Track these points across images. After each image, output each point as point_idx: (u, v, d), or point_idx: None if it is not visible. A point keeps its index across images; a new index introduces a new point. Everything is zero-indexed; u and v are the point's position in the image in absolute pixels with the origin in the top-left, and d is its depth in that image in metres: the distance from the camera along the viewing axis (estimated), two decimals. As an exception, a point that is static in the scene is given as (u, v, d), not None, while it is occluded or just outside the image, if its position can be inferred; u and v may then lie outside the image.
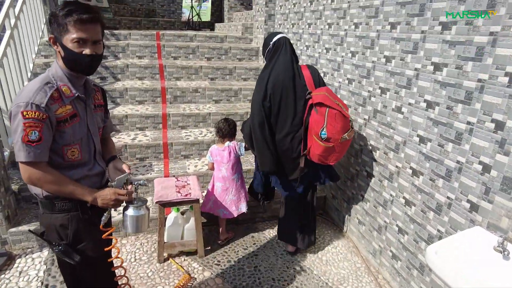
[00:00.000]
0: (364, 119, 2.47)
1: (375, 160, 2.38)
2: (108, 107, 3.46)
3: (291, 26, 3.70)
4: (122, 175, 1.38)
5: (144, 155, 3.20)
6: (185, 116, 3.52)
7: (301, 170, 2.20)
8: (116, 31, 4.26)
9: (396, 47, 2.09)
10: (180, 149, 3.26)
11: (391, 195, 2.23)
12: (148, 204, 1.44)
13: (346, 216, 2.84)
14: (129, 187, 1.40)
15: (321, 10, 3.02)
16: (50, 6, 3.87)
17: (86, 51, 1.22)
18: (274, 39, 2.20)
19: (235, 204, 2.58)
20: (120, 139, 3.21)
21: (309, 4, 3.25)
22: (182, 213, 2.63)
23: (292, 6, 3.64)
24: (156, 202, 2.27)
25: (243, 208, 2.61)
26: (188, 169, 3.09)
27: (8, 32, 2.96)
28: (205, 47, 4.30)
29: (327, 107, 1.97)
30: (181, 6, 6.71)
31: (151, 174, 2.97)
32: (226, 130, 2.54)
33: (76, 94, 1.30)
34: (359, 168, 2.59)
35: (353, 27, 2.54)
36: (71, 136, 1.29)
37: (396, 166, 2.16)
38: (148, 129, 3.47)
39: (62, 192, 1.28)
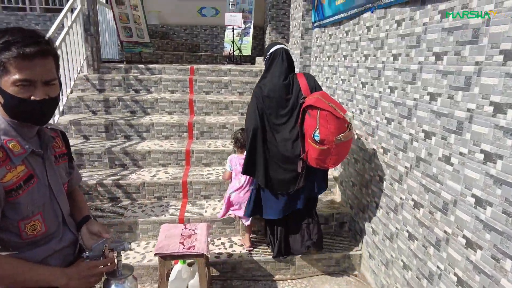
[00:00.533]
0: (405, 167, 2.03)
1: (418, 220, 1.92)
2: (134, 141, 3.42)
3: (327, 58, 3.41)
4: (99, 242, 1.10)
5: (162, 193, 3.01)
6: (209, 153, 3.31)
7: (300, 176, 2.20)
8: (151, 66, 4.31)
9: (442, 82, 1.69)
10: (200, 189, 3.03)
11: (438, 267, 1.74)
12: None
13: (384, 282, 2.33)
14: (109, 254, 1.12)
15: (357, 40, 2.70)
16: (91, 43, 4.03)
17: (35, 96, 0.93)
18: (271, 50, 2.29)
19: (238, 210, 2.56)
20: (140, 175, 3.08)
21: (344, 34, 2.96)
22: (190, 265, 2.35)
23: (328, 37, 3.37)
24: (155, 254, 2.02)
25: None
26: (205, 212, 2.83)
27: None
28: (238, 81, 4.16)
29: (318, 109, 1.97)
30: (224, 40, 6.80)
31: (165, 215, 2.76)
32: (244, 140, 2.49)
33: (30, 150, 1.00)
34: (399, 226, 2.12)
35: (391, 58, 2.18)
36: (29, 205, 0.99)
37: (445, 232, 1.68)
38: (171, 165, 3.31)
39: (21, 285, 0.97)
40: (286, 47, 2.33)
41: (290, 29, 4.41)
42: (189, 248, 2.02)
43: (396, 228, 2.16)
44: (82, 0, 3.91)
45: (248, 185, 2.53)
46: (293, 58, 4.19)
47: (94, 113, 3.74)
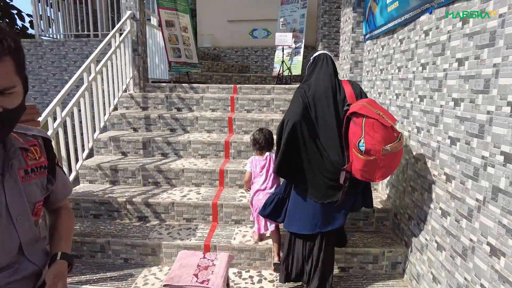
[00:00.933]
0: (477, 200, 1.57)
1: (498, 272, 1.43)
2: (170, 159, 3.31)
3: (379, 72, 3.03)
4: None
5: (191, 215, 2.81)
6: (243, 173, 3.06)
7: (342, 189, 1.95)
8: (195, 85, 4.27)
9: (529, 87, 1.26)
10: (231, 213, 2.77)
11: None
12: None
13: None
14: None
15: (413, 48, 2.31)
16: (138, 63, 4.13)
17: None
18: (314, 55, 2.17)
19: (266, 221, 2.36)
20: (170, 195, 2.92)
21: (398, 43, 2.58)
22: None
23: (380, 49, 3.00)
24: (164, 286, 1.77)
25: (270, 227, 2.37)
26: (234, 239, 2.55)
27: (84, 85, 3.13)
28: (281, 99, 3.92)
29: (364, 117, 1.77)
30: (274, 61, 6.69)
31: (190, 240, 2.53)
32: (262, 140, 2.40)
33: None
34: (469, 277, 1.63)
35: (455, 64, 1.76)
36: None
37: (540, 295, 1.20)
38: (204, 185, 3.12)
39: None
40: (329, 54, 2.17)
41: (340, 44, 4.10)
42: (202, 282, 1.74)
43: (466, 279, 1.66)
44: (131, 22, 4.04)
45: (268, 188, 2.36)
46: (342, 73, 3.88)
47: (135, 130, 3.75)
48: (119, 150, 3.46)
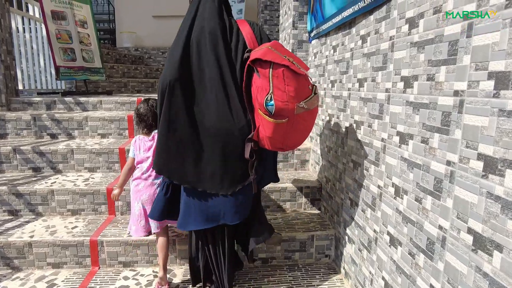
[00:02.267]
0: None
1: None
2: (21, 221, 2.06)
3: (330, 85, 2.10)
4: None
5: (32, 330, 1.65)
6: (130, 245, 1.96)
7: (251, 167, 1.45)
8: (83, 99, 3.06)
9: None
10: (99, 323, 1.66)
11: None
12: None
13: None
14: None
15: (385, 50, 1.39)
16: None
17: None
18: None
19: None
20: (0, 293, 1.74)
21: (359, 42, 1.65)
22: None
23: (331, 51, 2.07)
24: None
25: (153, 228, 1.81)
26: None
27: None
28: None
29: (271, 64, 1.28)
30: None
31: None
32: (149, 116, 1.87)
33: None
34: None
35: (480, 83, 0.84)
36: None
37: None
38: (66, 265, 1.97)
39: None
40: None
41: (279, 45, 3.15)
42: None
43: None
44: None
45: (153, 177, 1.83)
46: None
47: (-22, 170, 2.48)
48: None
